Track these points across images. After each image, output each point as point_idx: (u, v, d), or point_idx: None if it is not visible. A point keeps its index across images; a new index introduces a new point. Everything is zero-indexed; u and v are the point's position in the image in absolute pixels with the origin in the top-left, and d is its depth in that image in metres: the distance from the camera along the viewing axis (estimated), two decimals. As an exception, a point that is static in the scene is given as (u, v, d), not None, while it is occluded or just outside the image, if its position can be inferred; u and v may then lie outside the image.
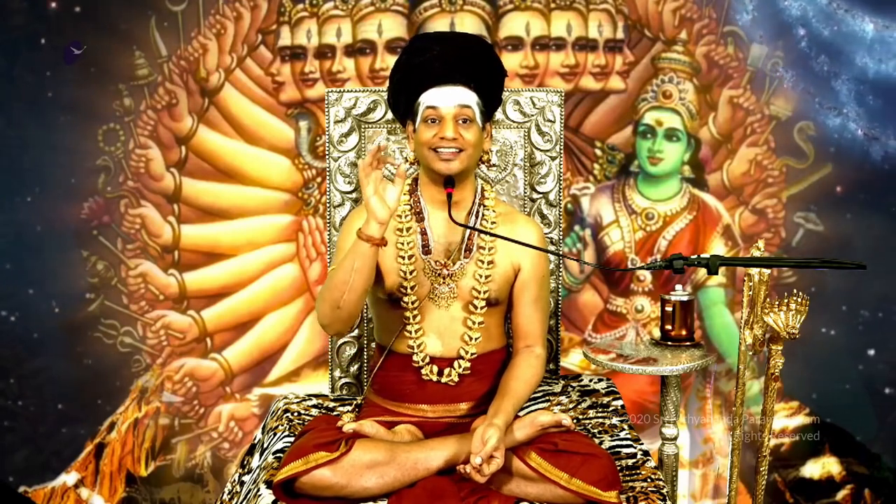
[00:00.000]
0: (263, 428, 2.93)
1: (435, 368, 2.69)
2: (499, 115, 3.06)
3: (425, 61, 2.63)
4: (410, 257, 2.69)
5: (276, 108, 4.15)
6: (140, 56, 4.08)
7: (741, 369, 2.71)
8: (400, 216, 2.72)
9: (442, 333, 2.70)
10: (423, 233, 2.71)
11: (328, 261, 3.10)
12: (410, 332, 2.69)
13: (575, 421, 2.76)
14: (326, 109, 3.07)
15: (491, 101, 2.72)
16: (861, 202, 4.12)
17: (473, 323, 2.69)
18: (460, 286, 2.69)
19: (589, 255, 4.21)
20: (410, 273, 2.68)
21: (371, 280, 2.56)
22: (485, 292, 2.68)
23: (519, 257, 2.71)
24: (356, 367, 3.14)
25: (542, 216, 3.09)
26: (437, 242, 2.71)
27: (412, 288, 2.68)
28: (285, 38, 4.11)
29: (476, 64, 2.66)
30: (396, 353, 2.72)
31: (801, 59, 4.06)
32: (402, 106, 2.72)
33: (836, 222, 4.15)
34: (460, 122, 2.62)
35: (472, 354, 2.69)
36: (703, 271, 3.89)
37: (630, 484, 2.55)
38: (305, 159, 4.17)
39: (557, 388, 3.04)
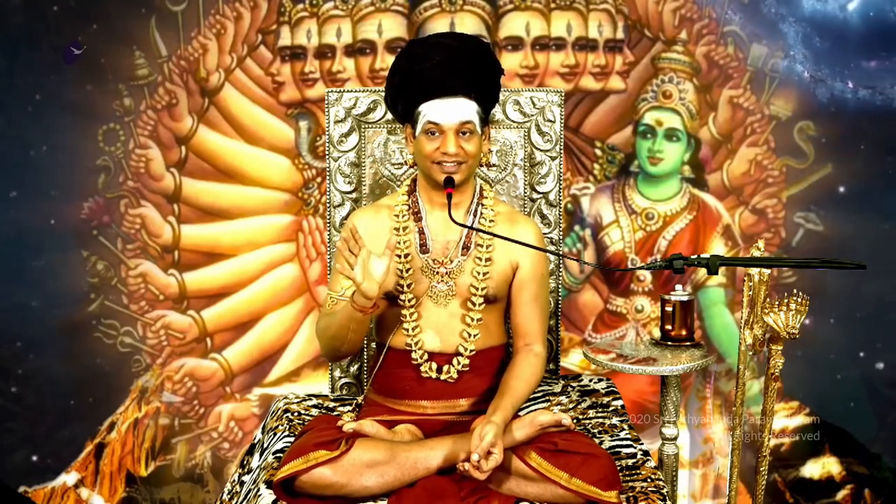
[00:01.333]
0: (263, 428, 2.93)
1: (434, 365, 2.70)
2: (499, 115, 3.06)
3: (424, 71, 2.62)
4: (407, 256, 2.69)
5: (276, 108, 4.15)
6: (140, 56, 4.08)
7: (741, 369, 2.71)
8: (398, 216, 2.73)
9: (440, 330, 2.70)
10: (421, 232, 2.72)
11: (328, 261, 3.10)
12: (408, 330, 2.70)
13: (575, 421, 2.76)
14: (326, 109, 3.07)
15: (490, 104, 2.72)
16: (860, 202, 4.12)
17: (472, 320, 2.70)
18: (458, 284, 2.70)
19: (589, 255, 4.21)
20: (407, 271, 2.68)
21: (368, 329, 2.69)
22: (483, 289, 2.69)
23: (517, 256, 2.72)
24: (356, 367, 3.14)
25: (542, 216, 3.09)
26: (435, 241, 2.72)
27: (409, 286, 2.68)
28: (285, 38, 4.11)
29: (476, 72, 2.65)
30: (395, 350, 2.73)
31: (751, 3, 4.06)
32: (401, 109, 2.72)
33: (836, 222, 4.15)
34: (461, 134, 2.63)
35: (470, 351, 2.70)
36: (703, 271, 3.89)
37: (630, 484, 2.55)
38: (305, 159, 4.17)
39: (557, 388, 3.04)
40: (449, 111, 2.61)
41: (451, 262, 2.71)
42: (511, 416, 2.54)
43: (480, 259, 2.70)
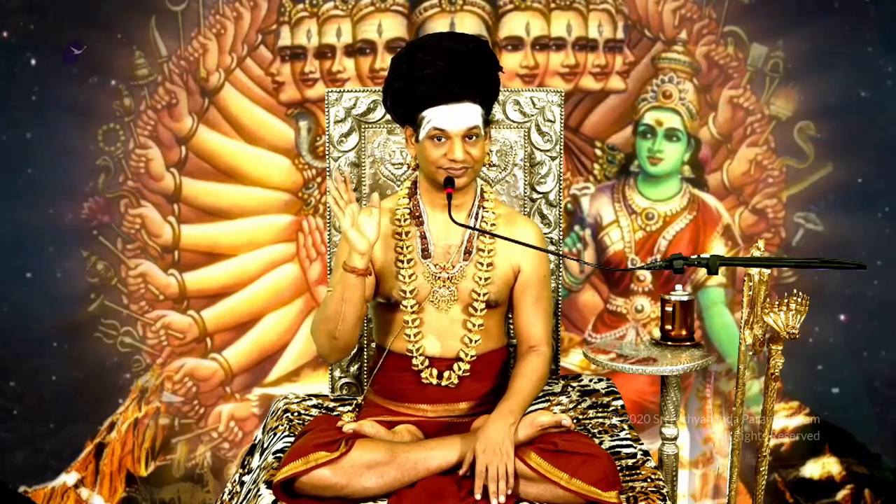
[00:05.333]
0: (264, 428, 2.93)
1: (434, 371, 2.69)
2: (499, 115, 3.06)
3: (427, 77, 2.57)
4: (409, 261, 2.68)
5: (276, 108, 4.15)
6: (140, 56, 4.09)
7: (741, 369, 2.71)
8: (399, 220, 2.72)
9: (441, 335, 2.70)
10: (423, 236, 2.71)
11: (328, 261, 3.10)
12: (409, 335, 2.69)
13: (575, 421, 2.76)
14: (326, 109, 3.07)
15: (492, 103, 2.71)
16: (860, 202, 4.12)
17: (473, 325, 2.69)
18: (460, 289, 2.69)
19: (589, 255, 4.21)
20: (409, 277, 2.68)
21: (362, 309, 2.59)
22: (484, 294, 2.68)
23: (518, 259, 2.71)
24: (356, 367, 3.14)
25: (542, 216, 3.09)
26: (437, 245, 2.71)
27: (411, 292, 2.67)
28: (285, 38, 4.11)
29: (478, 74, 2.62)
30: (396, 354, 2.72)
31: None
32: (401, 113, 2.69)
33: (836, 222, 4.15)
34: (467, 139, 2.60)
35: (471, 356, 2.69)
36: (703, 271, 3.89)
37: (630, 484, 2.55)
38: (305, 159, 4.17)
39: (557, 388, 3.04)
40: (455, 118, 2.58)
41: (453, 267, 2.70)
42: (520, 417, 2.53)
43: (482, 264, 2.69)
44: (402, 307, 2.68)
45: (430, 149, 2.61)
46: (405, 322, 2.68)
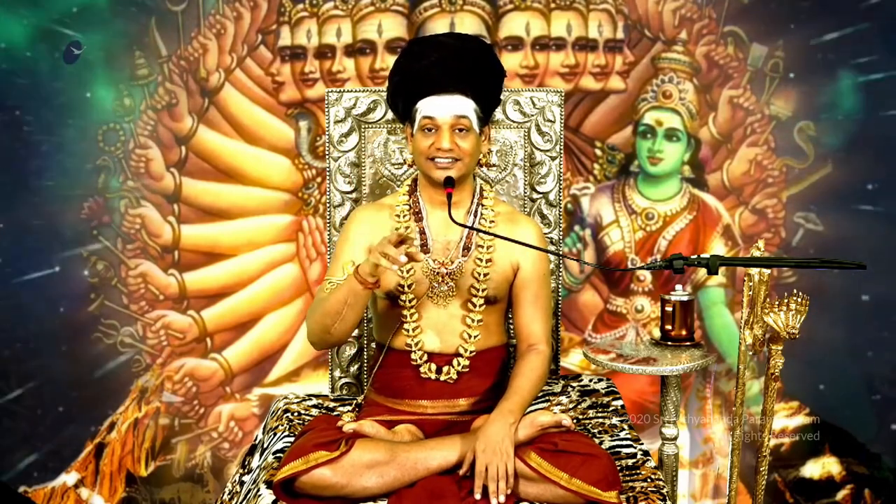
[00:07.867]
0: (264, 428, 2.93)
1: (433, 366, 2.70)
2: (499, 115, 3.06)
3: (422, 68, 2.64)
4: (409, 256, 2.70)
5: (276, 108, 4.15)
6: (140, 56, 4.09)
7: (741, 369, 2.71)
8: (399, 216, 2.73)
9: (440, 331, 2.70)
10: (422, 232, 2.72)
11: (328, 261, 3.10)
12: (408, 330, 2.70)
13: (575, 421, 2.76)
14: (326, 109, 3.07)
15: (489, 104, 2.72)
16: (860, 202, 4.12)
17: (472, 321, 2.70)
18: (459, 284, 2.70)
19: (589, 255, 4.21)
20: (408, 271, 2.68)
21: (362, 312, 2.61)
22: (483, 290, 2.69)
23: (518, 256, 2.72)
24: (356, 367, 3.14)
25: (542, 216, 3.09)
26: (436, 241, 2.72)
27: (410, 286, 2.68)
28: (285, 38, 4.12)
29: (474, 70, 2.66)
30: (395, 350, 2.73)
31: None
32: (401, 108, 2.74)
33: (836, 222, 4.15)
34: (457, 131, 2.63)
35: (470, 352, 2.70)
36: (703, 271, 3.89)
37: (630, 484, 2.55)
38: (305, 159, 4.17)
39: (557, 388, 3.04)
40: (443, 106, 2.63)
41: (452, 262, 2.71)
42: (520, 417, 2.54)
43: (481, 260, 2.70)
44: (400, 301, 2.69)
45: (421, 140, 2.65)
46: (404, 316, 2.69)
